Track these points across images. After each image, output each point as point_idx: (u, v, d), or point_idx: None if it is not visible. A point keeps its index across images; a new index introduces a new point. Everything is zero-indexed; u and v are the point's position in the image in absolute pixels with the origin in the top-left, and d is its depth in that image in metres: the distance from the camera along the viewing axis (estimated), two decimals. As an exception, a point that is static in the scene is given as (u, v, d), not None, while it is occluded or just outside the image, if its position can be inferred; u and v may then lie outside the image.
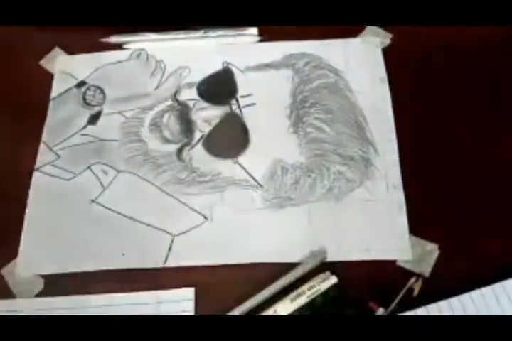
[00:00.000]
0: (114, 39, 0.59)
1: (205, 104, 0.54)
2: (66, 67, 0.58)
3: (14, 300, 0.47)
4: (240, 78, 0.56)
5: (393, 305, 0.42)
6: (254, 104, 0.54)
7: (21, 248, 0.49)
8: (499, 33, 0.55)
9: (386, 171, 0.49)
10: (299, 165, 0.50)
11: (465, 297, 0.42)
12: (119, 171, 0.52)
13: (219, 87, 0.56)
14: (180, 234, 0.48)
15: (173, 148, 0.52)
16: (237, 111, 0.54)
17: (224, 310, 0.43)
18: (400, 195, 0.48)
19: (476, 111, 0.52)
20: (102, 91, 0.56)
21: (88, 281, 0.47)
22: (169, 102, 0.55)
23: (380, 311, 0.41)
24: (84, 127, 0.55)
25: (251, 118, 0.53)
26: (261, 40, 0.58)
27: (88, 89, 0.57)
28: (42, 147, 0.54)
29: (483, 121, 0.52)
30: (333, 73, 0.55)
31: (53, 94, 0.57)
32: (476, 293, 0.42)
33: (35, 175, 0.52)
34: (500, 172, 0.49)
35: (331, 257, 0.46)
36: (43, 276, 0.47)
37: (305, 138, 0.51)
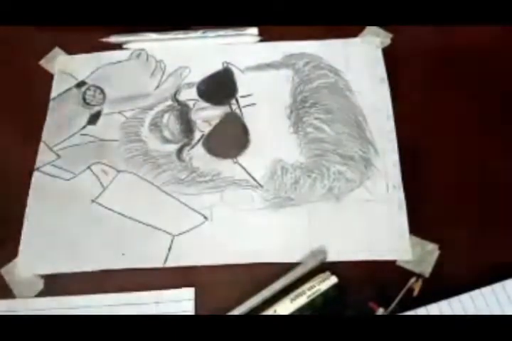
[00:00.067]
0: (114, 39, 0.59)
1: (205, 104, 0.54)
2: (66, 67, 0.58)
3: (14, 300, 0.47)
4: (240, 78, 0.56)
5: (393, 305, 0.42)
6: (254, 104, 0.54)
7: (21, 248, 0.49)
8: (499, 33, 0.55)
9: (386, 171, 0.49)
10: (299, 165, 0.50)
11: (465, 297, 0.42)
12: (119, 171, 0.52)
13: (219, 87, 0.56)
14: (180, 234, 0.48)
15: (173, 148, 0.52)
16: (237, 111, 0.54)
17: (224, 310, 0.43)
18: (400, 195, 0.48)
19: (476, 111, 0.52)
20: (102, 91, 0.56)
21: (88, 281, 0.47)
22: (169, 102, 0.55)
23: (380, 311, 0.41)
24: (84, 127, 0.55)
25: (251, 118, 0.53)
26: (261, 40, 0.58)
27: (88, 89, 0.57)
28: (42, 147, 0.54)
29: (484, 120, 0.52)
30: (333, 73, 0.55)
31: (53, 94, 0.57)
32: (476, 293, 0.42)
33: (35, 175, 0.52)
34: (501, 172, 0.49)
35: (331, 257, 0.46)
36: (43, 276, 0.47)
37: (305, 138, 0.51)
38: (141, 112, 0.55)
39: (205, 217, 0.49)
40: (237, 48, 0.58)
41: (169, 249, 0.47)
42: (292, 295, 0.43)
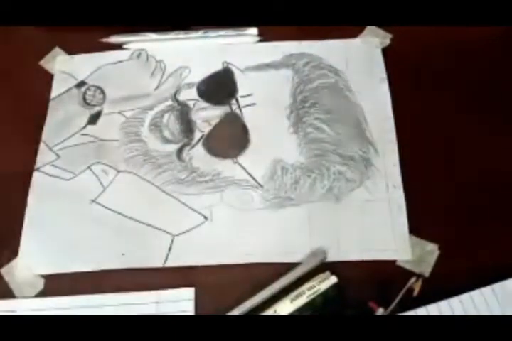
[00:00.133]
0: (114, 39, 0.59)
1: (205, 104, 0.54)
2: (66, 67, 0.58)
3: (14, 300, 0.47)
4: (240, 78, 0.56)
5: (393, 305, 0.42)
6: (254, 104, 0.54)
7: (21, 248, 0.49)
8: (499, 33, 0.55)
9: (386, 171, 0.49)
10: (299, 165, 0.50)
11: (465, 297, 0.42)
12: (119, 171, 0.52)
13: (219, 87, 0.56)
14: (180, 234, 0.48)
15: (173, 148, 0.52)
16: (237, 111, 0.54)
17: (224, 310, 0.43)
18: (400, 195, 0.48)
19: (476, 111, 0.52)
20: (102, 91, 0.56)
21: (88, 281, 0.47)
22: (169, 102, 0.55)
23: (380, 311, 0.41)
24: (84, 127, 0.55)
25: (251, 118, 0.53)
26: (261, 40, 0.58)
27: (88, 89, 0.57)
28: (42, 147, 0.54)
29: (484, 120, 0.52)
30: (333, 73, 0.55)
31: (53, 94, 0.57)
32: (476, 293, 0.42)
33: (35, 175, 0.52)
34: (501, 172, 0.49)
35: (331, 257, 0.46)
36: (43, 276, 0.47)
37: (305, 138, 0.51)
38: (141, 112, 0.55)
39: (205, 217, 0.49)
40: (237, 48, 0.58)
41: (169, 249, 0.47)
42: (292, 295, 0.43)
